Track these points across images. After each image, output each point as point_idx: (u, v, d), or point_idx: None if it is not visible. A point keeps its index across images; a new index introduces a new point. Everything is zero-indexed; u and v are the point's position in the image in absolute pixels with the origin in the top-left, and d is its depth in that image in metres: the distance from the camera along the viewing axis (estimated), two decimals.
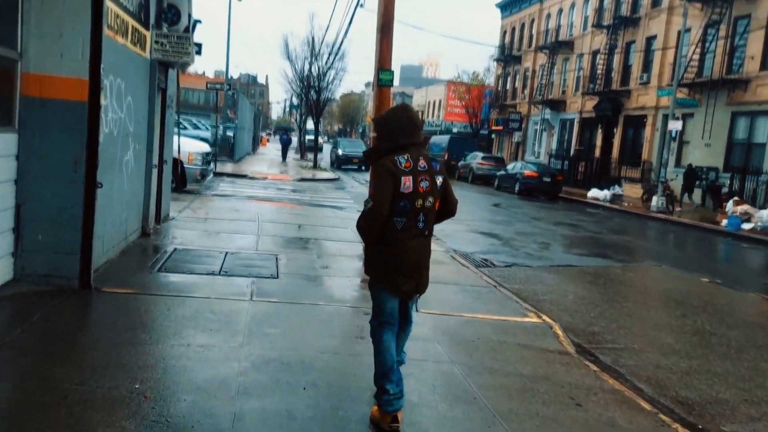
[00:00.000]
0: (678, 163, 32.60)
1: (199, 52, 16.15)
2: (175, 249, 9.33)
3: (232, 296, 7.10)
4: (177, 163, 15.95)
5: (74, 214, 6.64)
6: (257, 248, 10.10)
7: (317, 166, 35.81)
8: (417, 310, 4.75)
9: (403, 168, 4.13)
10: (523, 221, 19.18)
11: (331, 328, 6.37)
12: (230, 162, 31.72)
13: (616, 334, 7.73)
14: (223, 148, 32.85)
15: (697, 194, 29.60)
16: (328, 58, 34.29)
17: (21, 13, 6.45)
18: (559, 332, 7.11)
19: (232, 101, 35.24)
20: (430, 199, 4.25)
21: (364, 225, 4.22)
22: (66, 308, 6.15)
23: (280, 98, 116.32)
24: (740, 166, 26.94)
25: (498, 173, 34.41)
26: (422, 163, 4.23)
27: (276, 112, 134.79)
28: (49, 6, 6.53)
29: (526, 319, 7.52)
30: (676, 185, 28.10)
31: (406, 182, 4.13)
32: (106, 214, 7.63)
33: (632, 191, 32.35)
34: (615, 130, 38.78)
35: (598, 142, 40.52)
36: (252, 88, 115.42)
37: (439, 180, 4.31)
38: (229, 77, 38.58)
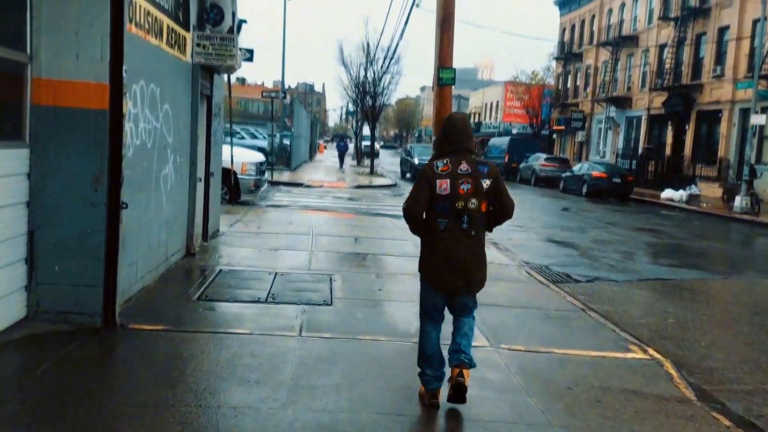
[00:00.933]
0: (758, 160, 30.44)
1: (250, 59, 15.37)
2: (221, 271, 8.38)
3: (278, 331, 6.06)
4: (230, 174, 15.20)
5: (96, 241, 5.70)
6: (310, 267, 9.09)
7: (374, 172, 34.85)
8: (474, 306, 4.82)
9: (439, 172, 4.49)
10: (598, 227, 17.75)
11: (395, 376, 5.24)
12: (287, 170, 31.02)
13: (739, 370, 6.42)
14: (280, 157, 32.21)
15: None
16: (384, 63, 33.36)
17: (30, 8, 5.57)
18: (672, 371, 5.85)
19: (290, 110, 34.58)
20: (473, 200, 4.47)
21: (408, 223, 4.74)
22: (81, 354, 5.20)
23: (336, 106, 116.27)
24: None
25: (563, 175, 32.84)
26: (464, 166, 4.50)
27: (333, 119, 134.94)
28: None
29: (629, 355, 6.26)
30: (762, 184, 26.08)
31: (442, 185, 4.45)
32: (139, 237, 6.72)
33: (709, 191, 30.36)
34: (687, 126, 36.72)
35: (669, 139, 38.48)
36: (309, 96, 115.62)
37: (486, 183, 4.50)
38: (286, 86, 38.05)
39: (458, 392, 4.50)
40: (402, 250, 10.99)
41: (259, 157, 17.20)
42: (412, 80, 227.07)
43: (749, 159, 24.76)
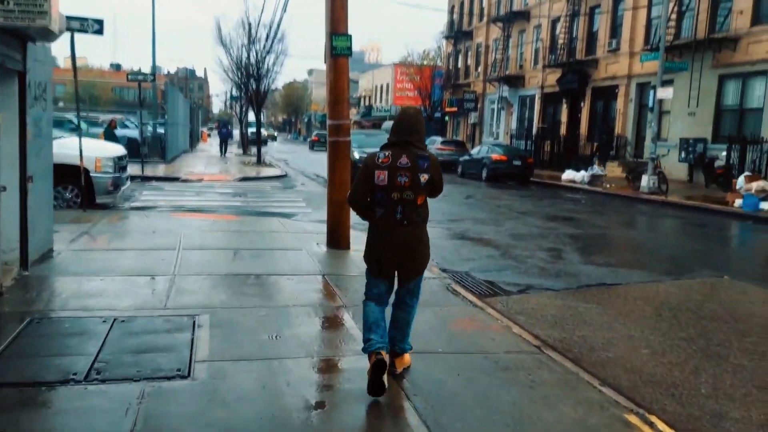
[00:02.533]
0: (658, 137, 29.88)
1: (99, 31, 12.48)
2: (32, 320, 5.82)
3: None
4: (80, 172, 12.40)
5: None
6: (166, 303, 6.60)
7: (262, 162, 32.15)
8: (415, 292, 5.04)
9: (379, 163, 4.69)
10: (511, 218, 16.01)
11: None
12: (162, 163, 27.88)
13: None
14: (154, 148, 28.96)
15: (682, 169, 26.97)
16: (266, 41, 30.61)
17: None
18: None
19: (164, 95, 31.23)
20: (409, 193, 4.65)
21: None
22: None
23: (220, 91, 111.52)
24: (737, 135, 24.17)
25: (460, 159, 31.34)
26: (404, 159, 4.66)
27: (218, 105, 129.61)
28: None
29: None
30: (664, 162, 25.25)
31: (380, 175, 4.66)
32: None
33: (609, 170, 29.59)
34: (582, 104, 36.00)
35: (564, 118, 37.73)
36: (190, 82, 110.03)
37: (424, 177, 4.67)
38: (164, 71, 34.52)
39: (377, 370, 4.52)
40: (298, 266, 8.68)
41: (118, 150, 14.37)
42: (299, 63, 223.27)
43: (655, 136, 23.83)
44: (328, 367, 5.26)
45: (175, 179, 22.36)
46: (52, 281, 7.23)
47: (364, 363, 4.92)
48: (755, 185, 18.84)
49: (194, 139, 46.75)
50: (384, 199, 4.67)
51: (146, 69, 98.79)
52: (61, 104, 64.22)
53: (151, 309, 6.33)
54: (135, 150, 23.43)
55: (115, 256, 8.62)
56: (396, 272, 4.88)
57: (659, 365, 6.10)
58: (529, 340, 6.23)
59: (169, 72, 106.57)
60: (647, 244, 13.35)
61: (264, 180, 24.58)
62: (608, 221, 16.33)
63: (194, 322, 5.97)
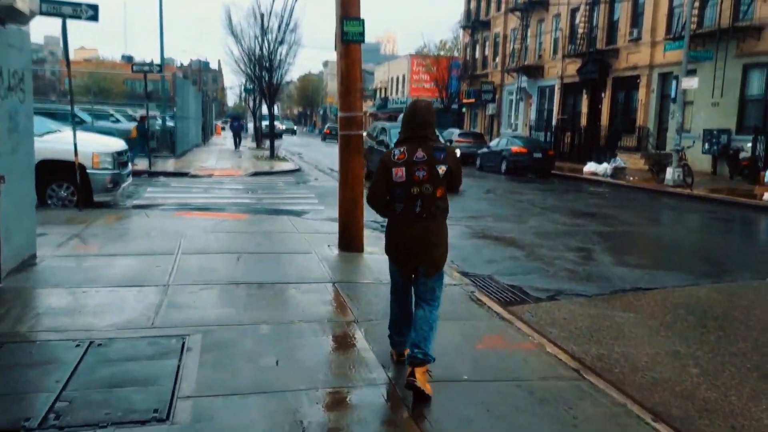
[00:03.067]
0: (681, 128, 28.85)
1: (94, 17, 11.74)
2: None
3: None
4: (75, 169, 11.70)
5: None
6: (154, 320, 5.84)
7: (275, 156, 31.40)
8: (436, 292, 4.88)
9: (395, 160, 4.68)
10: (534, 214, 15.17)
11: None
12: (172, 157, 27.21)
13: None
14: (163, 142, 28.27)
15: (705, 161, 25.93)
16: (278, 32, 29.78)
17: None
18: None
19: (171, 87, 30.47)
20: (428, 186, 4.62)
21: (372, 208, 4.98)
22: None
23: (234, 83, 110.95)
24: (763, 127, 23.15)
25: (479, 151, 30.47)
26: (420, 153, 4.63)
27: (232, 98, 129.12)
28: None
29: None
30: (689, 153, 24.22)
31: (398, 172, 4.65)
32: None
33: (631, 162, 28.59)
34: (603, 94, 34.97)
35: (584, 109, 36.71)
36: (204, 74, 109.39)
37: (441, 169, 4.64)
38: (177, 63, 33.79)
39: (412, 390, 4.48)
40: (306, 273, 7.90)
41: (119, 144, 13.63)
42: (313, 54, 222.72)
43: (680, 127, 22.81)
44: (334, 402, 4.49)
45: (184, 174, 21.66)
46: (27, 294, 6.49)
47: (377, 396, 4.37)
48: None
49: (207, 132, 46.13)
50: (403, 194, 4.68)
51: (157, 60, 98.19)
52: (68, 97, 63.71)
53: (136, 328, 5.57)
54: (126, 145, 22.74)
55: (104, 263, 7.87)
56: (415, 267, 4.81)
57: (712, 388, 5.31)
58: (566, 362, 5.43)
59: (182, 64, 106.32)
60: (679, 243, 12.42)
61: (276, 175, 23.83)
62: (636, 217, 15.43)
63: (183, 344, 5.22)
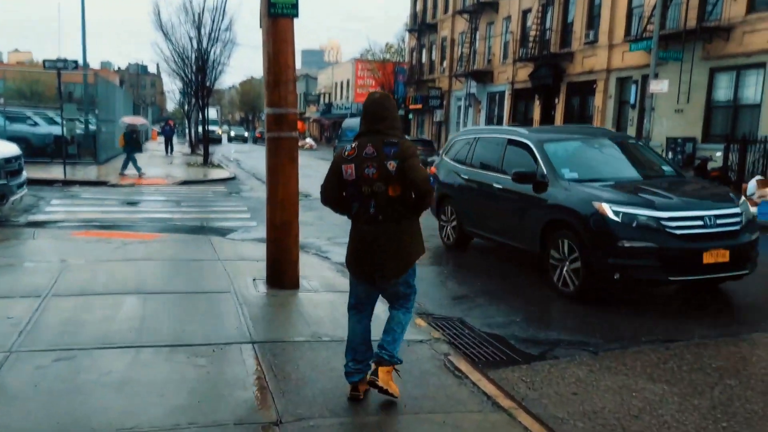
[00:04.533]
0: (639, 136, 27.57)
1: None
2: None
3: None
4: None
5: None
6: None
7: (209, 163, 28.99)
8: (406, 296, 4.56)
9: (346, 156, 4.33)
10: None
11: None
12: (93, 164, 24.57)
13: None
14: (86, 147, 25.58)
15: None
16: (212, 27, 27.41)
17: None
18: None
19: (93, 89, 27.65)
20: (380, 185, 4.23)
21: None
22: None
23: (174, 88, 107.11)
24: (734, 135, 21.84)
25: (429, 159, 28.58)
26: (370, 149, 4.25)
27: (172, 103, 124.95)
28: None
29: None
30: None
31: (348, 169, 4.30)
32: None
33: None
34: (557, 100, 33.53)
35: (536, 115, 35.23)
36: (142, 78, 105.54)
37: (392, 165, 4.20)
38: (114, 67, 31.05)
39: (375, 389, 4.38)
40: (218, 328, 5.75)
41: (8, 149, 11.25)
42: (256, 59, 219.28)
43: (648, 134, 21.38)
44: None
45: (103, 183, 19.18)
46: None
47: None
48: None
49: (140, 137, 43.22)
50: (356, 193, 4.35)
51: (95, 65, 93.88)
52: (1, 100, 60.04)
53: None
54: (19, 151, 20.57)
55: None
56: (371, 276, 4.43)
57: None
58: None
59: (119, 68, 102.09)
60: None
61: (207, 183, 21.52)
62: None
63: None
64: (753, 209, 16.01)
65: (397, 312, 4.53)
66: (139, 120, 22.44)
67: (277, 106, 7.03)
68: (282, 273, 7.20)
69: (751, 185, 17.35)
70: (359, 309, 4.57)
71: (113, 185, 19.01)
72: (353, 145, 4.35)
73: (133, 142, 21.64)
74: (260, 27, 7.08)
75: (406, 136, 24.33)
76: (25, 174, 11.95)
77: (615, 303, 7.94)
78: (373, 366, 4.37)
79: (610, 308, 7.69)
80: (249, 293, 6.93)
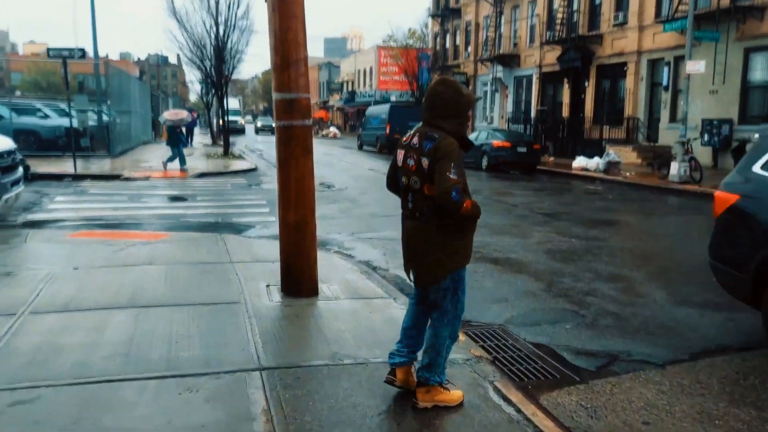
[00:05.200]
0: (673, 118, 26.35)
1: None
2: None
3: None
4: None
5: None
6: None
7: (229, 154, 28.21)
8: (439, 303, 4.03)
9: (402, 141, 4.08)
10: (536, 222, 12.30)
11: None
12: (107, 157, 23.89)
13: None
14: (100, 140, 24.92)
15: (705, 153, 23.27)
16: (228, 15, 26.55)
17: None
18: None
19: (105, 79, 26.87)
20: (415, 179, 3.89)
21: None
22: None
23: (195, 78, 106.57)
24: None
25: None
26: (415, 140, 3.94)
27: (194, 94, 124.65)
28: None
29: None
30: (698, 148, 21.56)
31: (399, 155, 4.04)
32: None
33: (623, 155, 25.89)
34: (586, 83, 32.27)
35: (566, 99, 34.01)
36: (162, 69, 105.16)
37: (425, 162, 3.80)
38: (134, 58, 30.34)
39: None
40: (223, 350, 4.85)
41: (3, 143, 10.45)
42: None
43: (685, 116, 20.11)
44: None
45: (115, 177, 18.42)
46: None
47: None
48: None
49: (159, 128, 42.66)
50: (400, 183, 4.06)
51: (114, 56, 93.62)
52: (18, 93, 59.88)
53: None
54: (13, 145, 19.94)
55: None
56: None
57: None
58: None
59: (139, 59, 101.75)
60: None
61: (227, 175, 20.71)
62: (661, 225, 12.64)
63: None
64: None
65: (429, 326, 4.13)
66: (179, 114, 21.45)
67: (287, 91, 6.10)
68: (297, 279, 6.29)
69: None
70: (414, 299, 4.29)
71: (126, 179, 18.24)
72: (411, 131, 4.05)
73: (175, 137, 20.58)
74: (265, 1, 6.14)
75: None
76: (21, 170, 11.11)
77: (672, 302, 6.95)
78: (403, 375, 4.20)
79: (666, 310, 6.70)
80: (261, 303, 6.03)
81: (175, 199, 14.68)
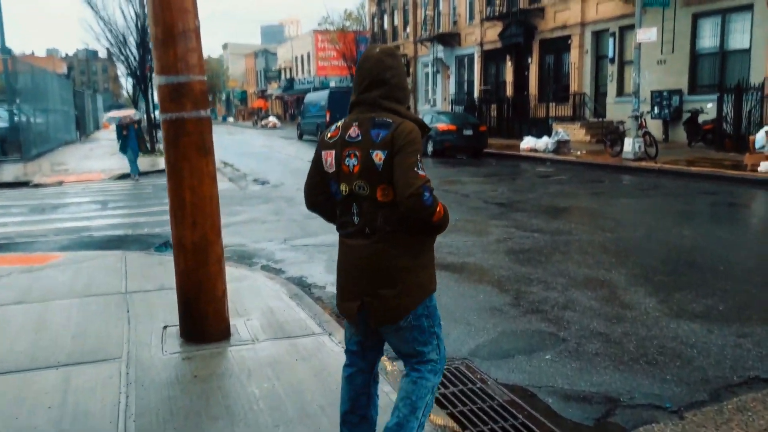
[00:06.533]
0: (620, 92, 25.52)
1: None
2: None
3: None
4: None
5: None
6: None
7: (156, 151, 26.30)
8: (420, 352, 2.97)
9: (327, 138, 2.93)
10: (491, 215, 11.01)
11: None
12: (20, 161, 21.80)
13: None
14: (13, 142, 22.78)
15: (655, 126, 22.43)
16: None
17: None
18: None
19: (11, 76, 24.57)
20: (360, 183, 2.78)
21: None
22: None
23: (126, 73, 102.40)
24: (727, 84, 19.77)
25: None
26: (354, 131, 2.82)
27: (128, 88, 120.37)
28: None
29: None
30: (648, 121, 20.66)
31: (327, 158, 2.90)
32: None
33: (571, 133, 24.92)
34: (530, 59, 31.26)
35: (509, 77, 32.98)
36: (92, 63, 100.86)
37: (378, 156, 2.72)
38: (61, 54, 27.98)
39: None
40: None
41: None
42: (211, 38, 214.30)
43: (638, 88, 19.11)
44: None
45: (23, 184, 16.55)
46: None
47: None
48: None
49: (85, 127, 40.14)
50: (337, 194, 2.91)
51: (41, 53, 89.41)
52: None
53: None
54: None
55: None
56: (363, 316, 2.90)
57: None
58: None
59: (66, 54, 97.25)
60: (740, 258, 8.18)
61: (151, 176, 18.93)
62: (627, 210, 11.48)
63: None
64: (765, 164, 14.01)
65: (407, 381, 2.98)
66: (123, 113, 18.98)
67: (174, 72, 4.60)
68: (200, 321, 4.82)
69: (760, 137, 15.26)
70: (355, 361, 3.12)
71: (36, 185, 16.37)
72: (338, 124, 2.97)
73: (123, 141, 17.77)
74: None
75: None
76: None
77: (667, 313, 5.68)
78: None
79: (664, 325, 5.44)
80: (149, 358, 4.54)
81: (86, 206, 12.93)
